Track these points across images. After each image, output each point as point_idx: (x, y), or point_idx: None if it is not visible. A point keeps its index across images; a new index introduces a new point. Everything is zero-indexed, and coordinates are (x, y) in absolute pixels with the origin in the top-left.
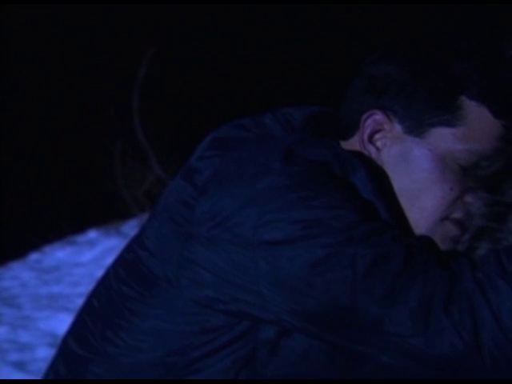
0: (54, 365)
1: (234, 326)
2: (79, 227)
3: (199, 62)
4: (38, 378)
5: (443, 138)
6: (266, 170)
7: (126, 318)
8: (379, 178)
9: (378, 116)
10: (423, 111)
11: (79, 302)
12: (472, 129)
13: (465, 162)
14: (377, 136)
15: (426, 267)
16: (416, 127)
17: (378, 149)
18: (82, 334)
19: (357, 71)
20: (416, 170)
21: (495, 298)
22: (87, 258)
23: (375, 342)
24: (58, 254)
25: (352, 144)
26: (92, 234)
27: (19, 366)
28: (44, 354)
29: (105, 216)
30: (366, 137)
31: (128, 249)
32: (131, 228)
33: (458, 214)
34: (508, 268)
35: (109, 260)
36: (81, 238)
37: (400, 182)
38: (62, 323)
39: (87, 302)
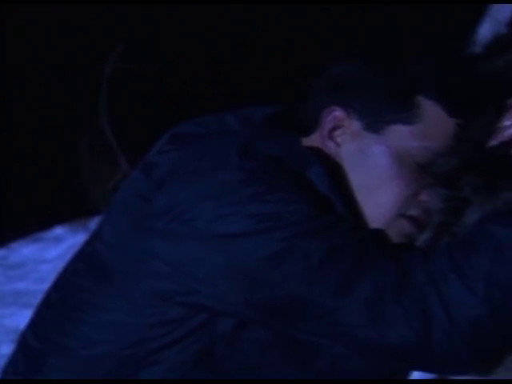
0: (12, 359)
1: (192, 318)
2: (46, 224)
3: (167, 61)
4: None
5: (400, 135)
6: (222, 165)
7: (83, 310)
8: (336, 173)
9: (338, 112)
10: (381, 109)
11: None
12: (428, 127)
13: (421, 159)
14: (336, 132)
15: (378, 260)
16: (374, 124)
17: (337, 144)
18: (39, 327)
19: (319, 71)
20: (373, 166)
21: (445, 291)
22: (53, 254)
23: (330, 332)
24: (23, 250)
25: (313, 140)
26: (58, 230)
27: None
28: (8, 351)
29: (72, 213)
30: (325, 132)
31: (86, 243)
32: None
33: (413, 211)
34: (459, 261)
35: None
36: (47, 235)
37: (358, 178)
38: (27, 320)
39: (46, 296)
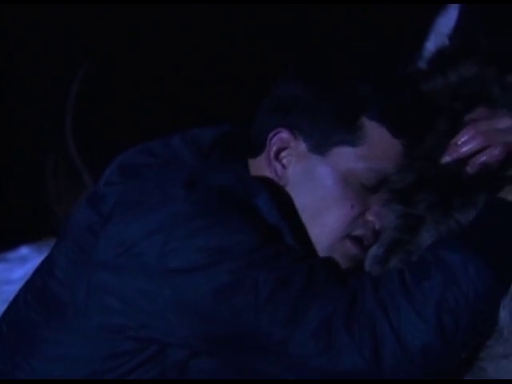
0: None
1: (144, 350)
2: (11, 244)
3: (132, 79)
4: None
5: (345, 156)
6: (169, 198)
7: (34, 345)
8: (282, 199)
9: (284, 134)
10: (326, 130)
11: None
12: (372, 148)
13: (366, 180)
14: (283, 154)
15: (326, 287)
16: (320, 146)
17: (283, 166)
18: None
19: (268, 92)
20: (319, 188)
21: (396, 316)
22: (18, 275)
23: (281, 363)
24: None
25: (259, 162)
26: (24, 250)
27: None
28: None
29: (37, 232)
30: (272, 154)
31: (37, 274)
32: None
33: (358, 232)
34: (410, 286)
35: None
36: (12, 255)
37: (303, 199)
38: None
39: None
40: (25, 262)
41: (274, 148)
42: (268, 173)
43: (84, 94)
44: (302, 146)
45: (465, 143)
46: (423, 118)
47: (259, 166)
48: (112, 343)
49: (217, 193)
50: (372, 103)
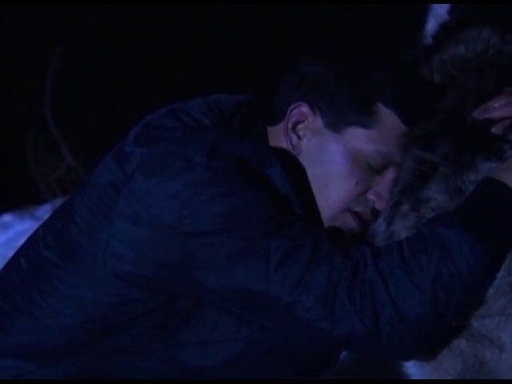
0: None
1: (152, 298)
2: None
3: (106, 60)
4: None
5: (357, 137)
6: (191, 165)
7: (51, 283)
8: (294, 169)
9: (304, 108)
10: (344, 110)
11: None
12: (383, 133)
13: (373, 161)
14: (300, 126)
15: (331, 257)
16: (335, 123)
17: (299, 137)
18: (7, 290)
19: (291, 68)
20: (329, 162)
21: (394, 287)
22: (1, 240)
23: (285, 323)
24: None
25: (277, 130)
26: (7, 217)
27: None
28: None
29: (19, 201)
30: (290, 125)
31: (58, 217)
32: (44, 212)
33: (359, 208)
34: (408, 260)
35: (21, 242)
36: None
37: (313, 171)
38: None
39: (15, 260)
40: (7, 229)
41: (293, 119)
42: (284, 142)
43: (60, 75)
44: (319, 122)
45: (497, 108)
46: (432, 108)
47: (277, 135)
48: (124, 290)
49: (235, 163)
50: (388, 91)
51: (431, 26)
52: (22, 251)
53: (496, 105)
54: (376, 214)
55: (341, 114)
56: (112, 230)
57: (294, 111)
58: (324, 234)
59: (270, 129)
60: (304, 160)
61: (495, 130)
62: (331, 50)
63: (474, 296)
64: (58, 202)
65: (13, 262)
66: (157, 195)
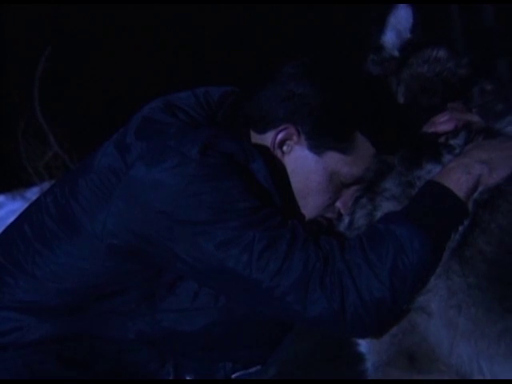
0: None
1: (143, 271)
2: None
3: (89, 60)
4: None
5: (335, 160)
6: (186, 160)
7: (53, 251)
8: (275, 169)
9: (292, 130)
10: (326, 137)
11: None
12: (358, 157)
13: (346, 180)
14: (286, 143)
15: (305, 248)
16: (317, 147)
17: (283, 153)
18: (12, 252)
19: (274, 74)
20: (309, 179)
21: (358, 276)
22: None
23: (265, 303)
24: None
25: (262, 138)
26: (0, 198)
27: None
28: None
29: (11, 184)
30: (277, 142)
31: (62, 193)
32: (33, 194)
33: (329, 214)
34: (369, 254)
35: (12, 220)
36: None
37: (294, 182)
38: None
39: (18, 226)
40: (0, 208)
41: (281, 138)
42: (270, 152)
43: (48, 72)
44: (303, 142)
45: (442, 123)
46: (403, 135)
47: (263, 143)
48: (117, 263)
49: (224, 159)
50: (365, 121)
51: (390, 38)
52: (25, 218)
53: (441, 119)
54: (340, 216)
55: (323, 138)
56: (110, 211)
57: (283, 133)
58: (299, 226)
59: (255, 135)
60: (287, 171)
61: (439, 139)
62: (319, 72)
63: (422, 282)
64: (46, 185)
65: (16, 227)
66: (155, 185)
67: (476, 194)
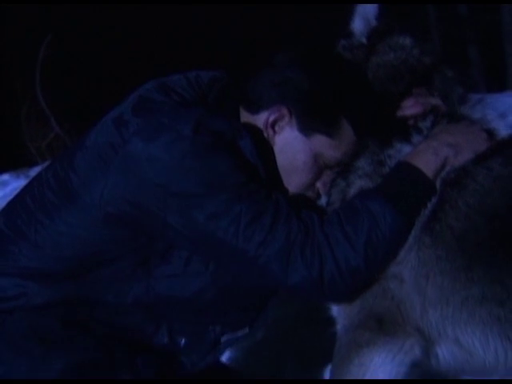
0: None
1: (137, 238)
2: None
3: (87, 48)
4: None
5: (322, 143)
6: (180, 137)
7: (53, 221)
8: (263, 147)
9: (284, 111)
10: (315, 120)
11: None
12: (341, 142)
13: (329, 162)
14: (278, 123)
15: (288, 221)
16: (306, 129)
17: (274, 132)
18: (16, 222)
19: (268, 60)
20: (295, 158)
21: (336, 248)
22: (0, 194)
23: (250, 271)
24: None
25: (254, 119)
26: (5, 176)
27: None
28: None
29: (16, 163)
30: (270, 122)
31: (61, 166)
32: (36, 172)
33: (309, 193)
34: (345, 227)
35: None
36: None
37: (281, 161)
38: None
39: (21, 198)
40: (5, 186)
41: (273, 118)
42: (260, 130)
43: (49, 59)
44: (294, 124)
45: (408, 107)
46: (383, 126)
47: (254, 123)
48: (113, 231)
49: (215, 136)
50: (351, 109)
51: (358, 25)
52: (27, 191)
53: (408, 104)
54: (319, 195)
55: (312, 121)
56: (108, 183)
57: (276, 113)
58: (283, 199)
59: (245, 113)
60: (275, 150)
61: (408, 122)
62: (311, 59)
63: (393, 253)
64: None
65: (19, 200)
66: (150, 159)
67: (443, 174)
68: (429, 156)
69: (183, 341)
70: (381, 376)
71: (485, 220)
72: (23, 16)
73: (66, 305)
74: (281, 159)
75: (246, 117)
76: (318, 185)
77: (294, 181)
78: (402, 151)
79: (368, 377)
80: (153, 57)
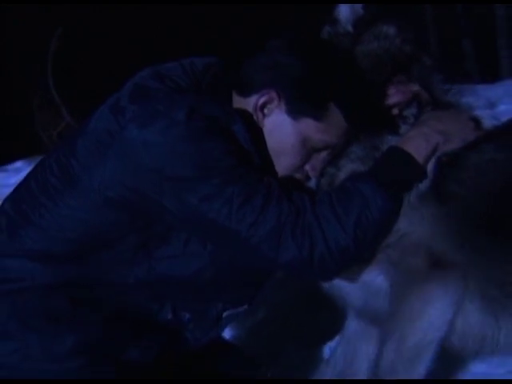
0: None
1: (136, 220)
2: (9, 158)
3: (96, 40)
4: None
5: (309, 126)
6: (174, 122)
7: (56, 204)
8: (254, 131)
9: (273, 94)
10: (304, 104)
11: None
12: (329, 126)
13: (317, 146)
14: (267, 106)
15: (279, 202)
16: (295, 112)
17: (264, 115)
18: (21, 206)
19: (262, 46)
20: (284, 141)
21: (326, 228)
22: (13, 180)
23: (243, 251)
24: None
25: (246, 102)
26: (19, 163)
27: None
28: None
29: (28, 151)
30: (259, 104)
31: (63, 153)
32: None
33: (298, 175)
34: (337, 208)
35: None
36: (10, 167)
37: (270, 143)
38: None
39: (26, 183)
40: (18, 172)
41: (263, 101)
42: (252, 114)
43: (60, 50)
44: (282, 107)
45: (390, 95)
46: (372, 112)
47: (244, 104)
48: (112, 214)
49: (208, 122)
50: (340, 95)
51: (344, 12)
52: (32, 176)
53: (390, 93)
54: (308, 178)
55: (300, 105)
56: (106, 168)
57: (265, 96)
58: (275, 182)
59: (239, 98)
60: (265, 133)
61: (393, 111)
62: (303, 47)
63: (382, 234)
64: None
65: (25, 185)
66: (146, 144)
67: (435, 158)
68: (420, 142)
69: (187, 316)
70: (439, 307)
71: (480, 199)
72: (34, 11)
73: (71, 285)
74: (270, 141)
75: (238, 101)
76: (307, 167)
77: (282, 162)
78: (392, 141)
79: (429, 309)
80: (162, 46)
